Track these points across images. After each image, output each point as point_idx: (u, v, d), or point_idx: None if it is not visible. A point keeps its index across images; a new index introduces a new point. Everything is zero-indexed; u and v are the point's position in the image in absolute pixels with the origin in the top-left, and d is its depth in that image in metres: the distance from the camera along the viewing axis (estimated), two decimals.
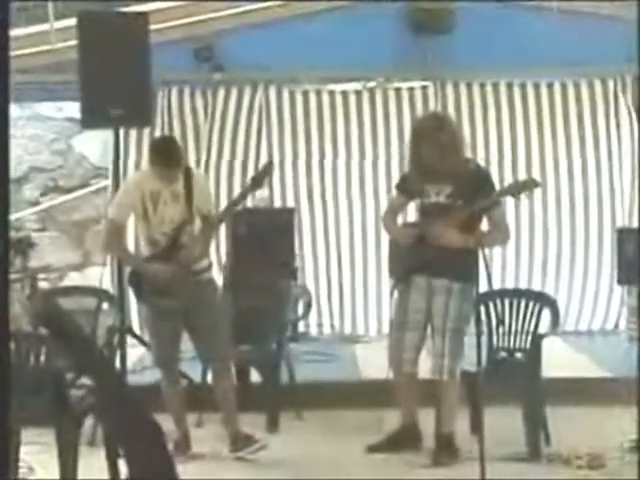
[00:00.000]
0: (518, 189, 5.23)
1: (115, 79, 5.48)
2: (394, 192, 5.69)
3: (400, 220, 5.65)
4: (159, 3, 7.20)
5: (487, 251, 5.06)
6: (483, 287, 5.00)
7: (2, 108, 2.67)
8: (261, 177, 5.37)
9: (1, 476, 2.53)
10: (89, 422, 5.14)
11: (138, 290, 5.43)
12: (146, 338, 6.40)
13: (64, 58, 6.97)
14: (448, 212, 5.17)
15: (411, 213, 5.73)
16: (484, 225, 5.30)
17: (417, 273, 5.26)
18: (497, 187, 5.51)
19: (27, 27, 6.99)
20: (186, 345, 5.53)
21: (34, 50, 7.45)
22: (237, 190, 8.14)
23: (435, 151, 5.14)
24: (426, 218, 5.28)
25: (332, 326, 8.38)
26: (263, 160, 8.28)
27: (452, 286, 5.17)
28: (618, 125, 8.26)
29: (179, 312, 5.30)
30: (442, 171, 5.17)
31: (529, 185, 5.24)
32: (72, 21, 5.76)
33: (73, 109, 5.84)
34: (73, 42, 5.80)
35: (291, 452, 5.41)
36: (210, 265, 5.52)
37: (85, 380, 3.52)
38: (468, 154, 5.65)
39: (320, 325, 8.34)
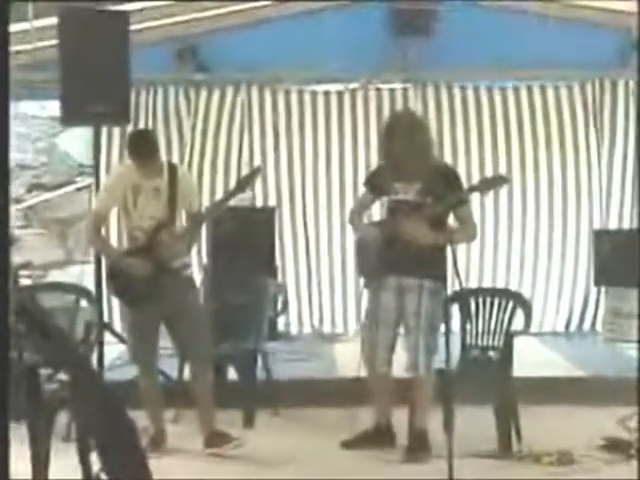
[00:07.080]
0: (487, 185, 5.25)
1: (95, 77, 5.52)
2: (362, 189, 5.63)
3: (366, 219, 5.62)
4: (142, 3, 7.23)
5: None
6: (457, 285, 5.05)
7: (2, 112, 2.65)
8: (247, 181, 5.37)
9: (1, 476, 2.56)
10: (63, 418, 5.15)
11: (115, 285, 5.44)
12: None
13: (46, 57, 7.00)
14: (417, 209, 5.13)
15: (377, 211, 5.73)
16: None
17: (387, 272, 5.22)
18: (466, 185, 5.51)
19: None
20: (162, 342, 5.54)
21: (15, 49, 7.46)
22: (220, 189, 8.22)
23: (405, 148, 5.14)
24: (394, 216, 5.24)
25: (312, 325, 8.44)
26: (245, 159, 8.37)
27: (423, 284, 5.16)
28: (597, 128, 8.33)
29: (156, 309, 5.31)
30: (412, 168, 5.16)
31: (498, 181, 5.27)
32: (53, 20, 5.78)
33: (56, 108, 5.87)
34: (55, 41, 5.83)
35: (266, 448, 5.43)
36: (189, 263, 5.53)
37: (60, 375, 3.54)
38: (437, 153, 5.67)
39: (300, 324, 8.40)
